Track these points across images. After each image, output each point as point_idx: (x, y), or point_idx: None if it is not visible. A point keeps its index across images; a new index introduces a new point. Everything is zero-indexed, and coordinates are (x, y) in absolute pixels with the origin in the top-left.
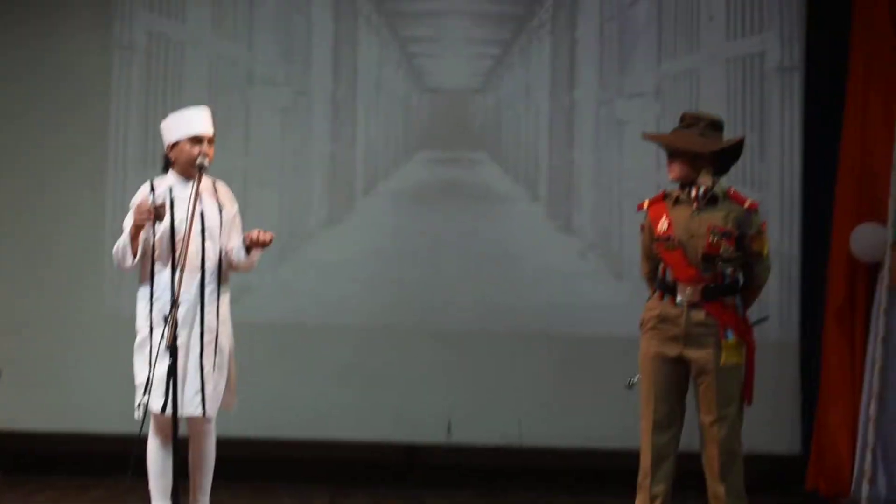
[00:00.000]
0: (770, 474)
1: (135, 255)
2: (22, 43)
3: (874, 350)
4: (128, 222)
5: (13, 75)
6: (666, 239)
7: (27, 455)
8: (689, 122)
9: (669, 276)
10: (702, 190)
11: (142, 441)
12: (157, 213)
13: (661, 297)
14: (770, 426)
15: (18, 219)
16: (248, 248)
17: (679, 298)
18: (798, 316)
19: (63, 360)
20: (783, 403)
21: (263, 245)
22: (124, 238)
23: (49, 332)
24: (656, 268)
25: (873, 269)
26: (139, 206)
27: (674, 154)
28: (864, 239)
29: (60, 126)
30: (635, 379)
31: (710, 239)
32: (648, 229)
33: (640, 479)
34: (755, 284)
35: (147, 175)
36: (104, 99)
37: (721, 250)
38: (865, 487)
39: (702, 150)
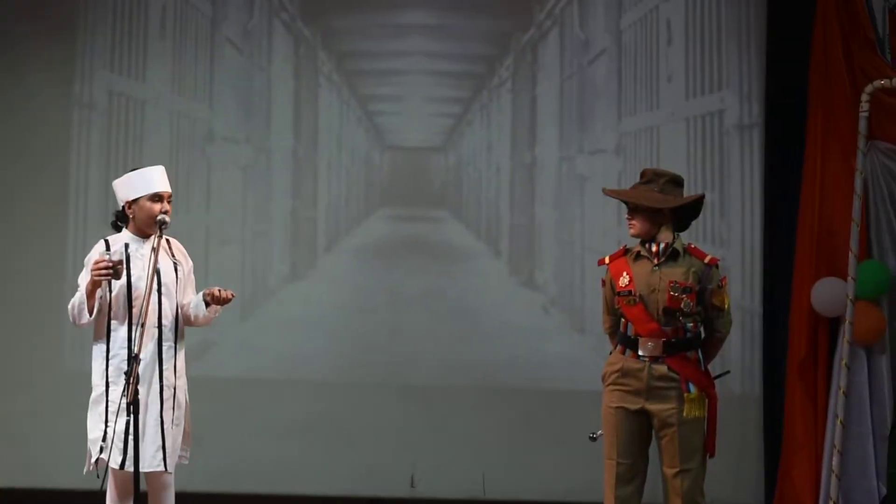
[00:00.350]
0: None
1: (91, 312)
2: None
3: (836, 404)
4: (83, 279)
5: None
6: (627, 294)
7: None
8: (649, 178)
9: (631, 331)
10: (662, 245)
11: (102, 496)
12: (114, 271)
13: (623, 352)
14: (734, 478)
15: None
16: (207, 304)
17: (641, 353)
18: (760, 369)
19: (24, 417)
20: (747, 456)
21: (224, 302)
22: (80, 295)
23: (9, 389)
24: (618, 322)
25: (834, 322)
26: (96, 263)
27: (634, 210)
28: (824, 293)
29: (21, 184)
30: (598, 433)
31: (671, 294)
32: (609, 284)
33: None
34: (717, 338)
35: (108, 233)
36: (65, 157)
37: (682, 305)
38: None
39: (661, 206)
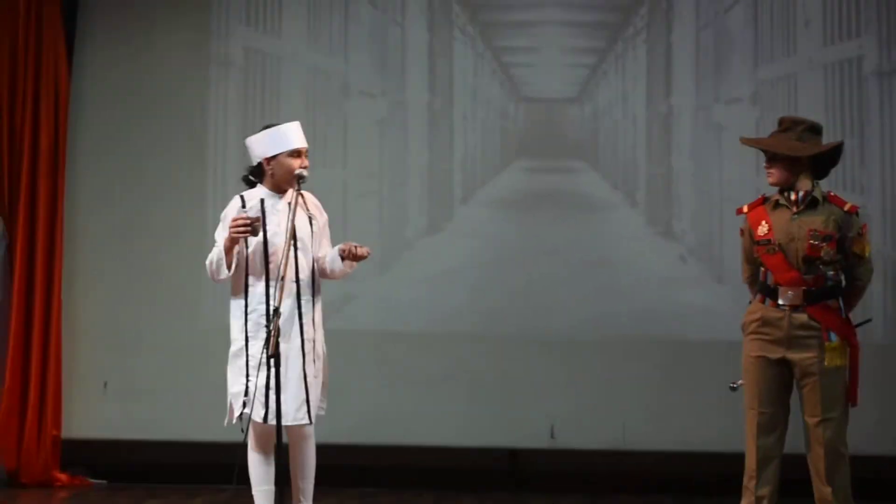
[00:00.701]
0: (877, 477)
1: (229, 268)
2: (122, 63)
3: None
4: (220, 234)
5: (115, 97)
6: (766, 243)
7: (132, 464)
8: (787, 125)
9: (770, 280)
10: (801, 194)
11: (243, 448)
12: (253, 228)
13: (763, 301)
14: (876, 428)
15: (123, 237)
16: (343, 259)
17: (781, 301)
18: None
19: (165, 372)
20: (890, 405)
21: (360, 259)
22: (218, 251)
23: (151, 345)
24: (757, 271)
25: None
26: (234, 220)
27: (773, 158)
28: None
29: (162, 145)
30: (739, 383)
31: (811, 242)
32: (748, 233)
33: (745, 481)
34: (857, 286)
35: (245, 189)
36: (203, 116)
37: (822, 253)
38: None
39: (800, 154)
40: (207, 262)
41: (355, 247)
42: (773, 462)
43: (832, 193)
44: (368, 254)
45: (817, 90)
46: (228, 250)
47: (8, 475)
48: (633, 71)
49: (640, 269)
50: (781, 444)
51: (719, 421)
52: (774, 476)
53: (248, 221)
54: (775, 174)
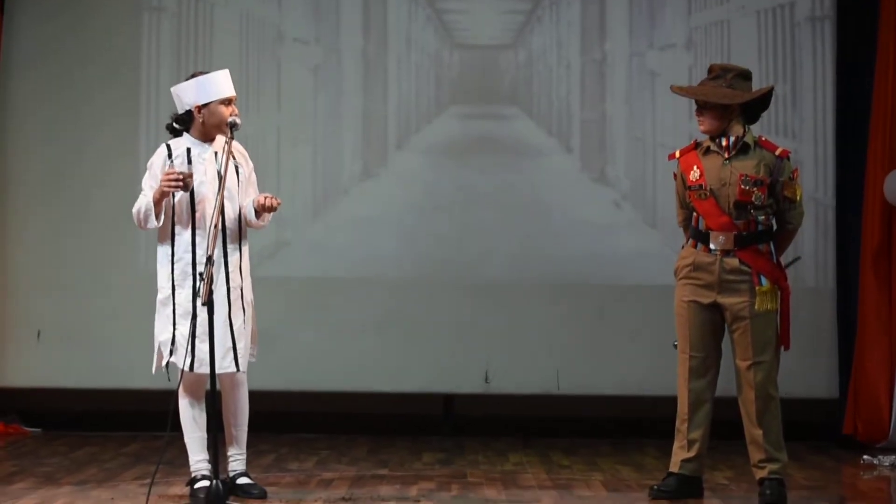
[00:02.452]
0: (807, 419)
1: (158, 219)
2: (55, 10)
3: None
4: (147, 183)
5: (50, 46)
6: (698, 188)
7: (67, 412)
8: (716, 73)
9: (702, 225)
10: (732, 139)
11: (177, 396)
12: (184, 183)
13: (695, 246)
14: (807, 371)
15: (55, 183)
16: (258, 212)
17: (712, 246)
18: (833, 262)
19: (99, 320)
20: (820, 348)
21: (271, 209)
22: (147, 201)
23: (85, 292)
24: (690, 216)
25: None
26: (166, 174)
27: (703, 106)
28: None
29: (94, 91)
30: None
31: (742, 187)
32: (681, 178)
33: (677, 423)
34: (788, 230)
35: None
36: (136, 63)
37: (753, 198)
38: None
39: (731, 102)
40: (135, 211)
41: (264, 198)
42: (705, 406)
43: (763, 138)
44: (279, 204)
45: (750, 36)
46: (157, 202)
47: None
48: (567, 17)
49: (574, 215)
50: (713, 387)
51: (652, 364)
52: (706, 419)
53: (180, 176)
54: (706, 122)
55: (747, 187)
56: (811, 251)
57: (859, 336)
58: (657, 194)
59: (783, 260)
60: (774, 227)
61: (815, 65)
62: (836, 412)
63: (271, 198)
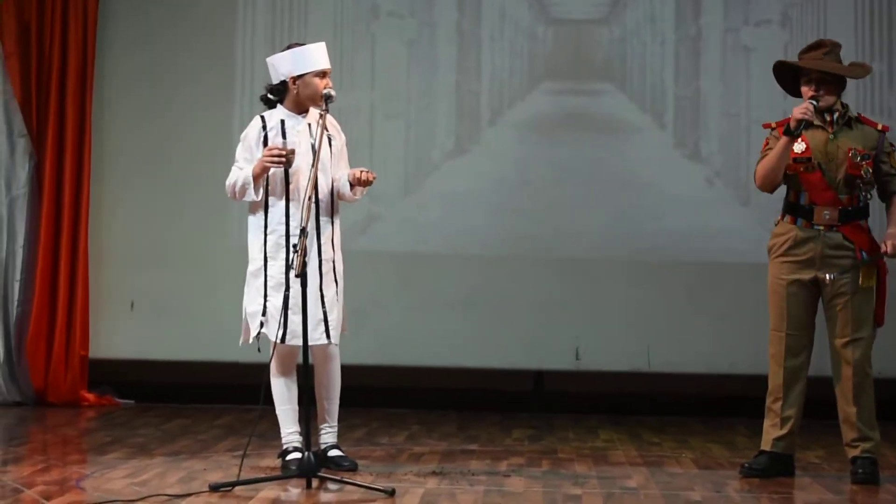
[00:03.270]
0: None
1: (257, 193)
2: None
3: None
4: (241, 154)
5: (143, 19)
6: (805, 160)
7: (159, 384)
8: (828, 48)
9: (805, 200)
10: (836, 115)
11: (269, 369)
12: (287, 160)
13: (794, 221)
14: None
15: (151, 159)
16: (352, 185)
17: (816, 221)
18: None
19: (192, 292)
20: None
21: (367, 184)
22: (244, 175)
23: (178, 265)
24: (787, 191)
25: None
26: (269, 150)
27: (822, 81)
28: None
29: (190, 68)
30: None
31: (852, 161)
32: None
33: (768, 402)
34: None
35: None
36: (230, 39)
37: (862, 172)
38: None
39: (858, 77)
40: (230, 183)
41: (360, 172)
42: (800, 384)
43: (861, 115)
44: (373, 178)
45: (847, 12)
46: (258, 176)
47: (36, 394)
48: None
49: (666, 192)
50: (807, 365)
51: (742, 343)
52: (801, 397)
53: (284, 153)
54: (827, 97)
55: (857, 160)
56: None
57: None
58: (750, 172)
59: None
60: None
61: None
62: None
63: (367, 172)
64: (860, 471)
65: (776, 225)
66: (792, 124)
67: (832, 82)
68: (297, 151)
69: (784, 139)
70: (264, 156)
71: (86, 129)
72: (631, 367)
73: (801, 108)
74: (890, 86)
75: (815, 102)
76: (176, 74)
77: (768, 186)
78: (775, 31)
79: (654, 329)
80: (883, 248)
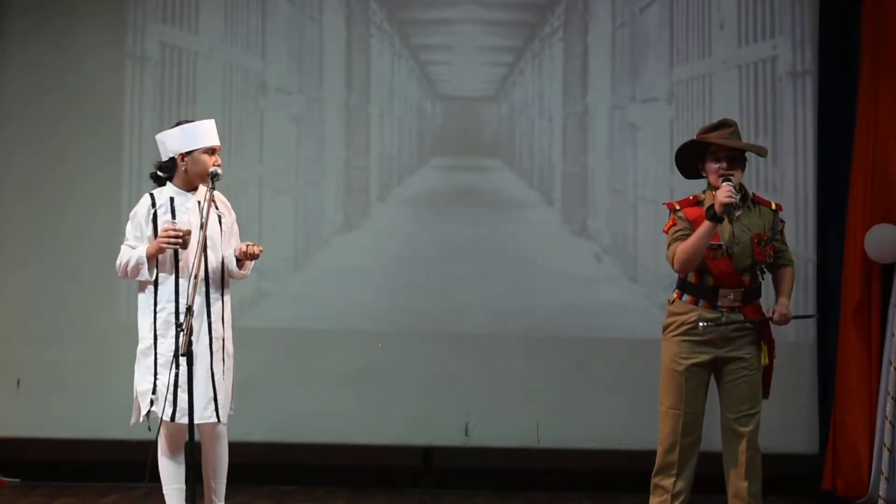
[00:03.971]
0: (787, 474)
1: (151, 271)
2: (41, 60)
3: (890, 350)
4: (131, 233)
5: (34, 93)
6: (716, 247)
7: (45, 462)
8: (733, 127)
9: (709, 282)
10: (739, 197)
11: (156, 447)
12: (183, 241)
13: (695, 302)
14: (787, 426)
15: (37, 232)
16: (239, 260)
17: (720, 303)
18: None
19: (79, 369)
20: (800, 403)
21: (253, 257)
22: (137, 254)
23: (66, 341)
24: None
25: (888, 269)
26: (165, 230)
27: (733, 160)
28: (878, 240)
29: (78, 140)
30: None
31: (758, 247)
32: (689, 228)
33: (656, 479)
34: (791, 270)
35: (155, 188)
36: (118, 110)
37: (766, 257)
38: (883, 486)
39: (763, 156)
40: (122, 262)
41: (247, 245)
42: (693, 459)
43: (755, 194)
44: (260, 251)
45: (732, 90)
46: (151, 257)
47: None
48: (549, 70)
49: (555, 268)
50: (699, 442)
51: (631, 418)
52: (691, 474)
53: (180, 234)
54: (738, 175)
55: (762, 246)
56: (792, 305)
57: (839, 391)
58: (638, 248)
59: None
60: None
61: (796, 119)
62: (817, 467)
63: (253, 245)
64: None
65: (671, 303)
66: (718, 209)
67: (740, 161)
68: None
69: (707, 224)
70: (160, 237)
71: None
72: (520, 442)
73: (724, 192)
74: (775, 162)
75: (730, 182)
76: (62, 148)
77: (688, 269)
78: (662, 108)
79: (544, 404)
80: (770, 314)
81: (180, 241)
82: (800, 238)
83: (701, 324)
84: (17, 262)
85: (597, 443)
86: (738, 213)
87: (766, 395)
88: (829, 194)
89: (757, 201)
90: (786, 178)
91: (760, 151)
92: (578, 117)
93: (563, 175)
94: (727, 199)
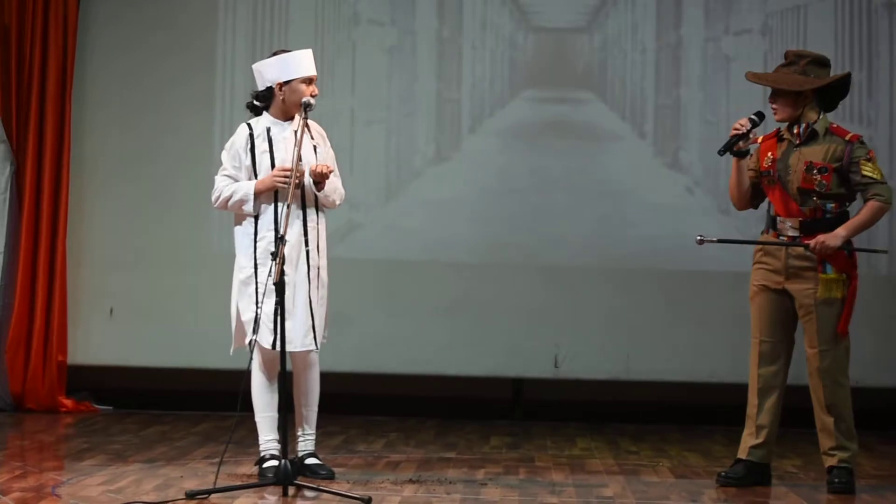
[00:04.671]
0: (879, 408)
1: (256, 207)
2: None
3: None
4: (229, 162)
5: (127, 34)
6: (767, 174)
7: (138, 390)
8: (790, 59)
9: (772, 211)
10: (802, 127)
11: (248, 376)
12: (298, 181)
13: (766, 231)
14: (879, 359)
15: (131, 163)
16: (317, 183)
17: (780, 232)
18: None
19: (171, 298)
20: (892, 337)
21: (322, 177)
22: (245, 189)
23: (158, 270)
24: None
25: None
26: (283, 170)
27: (776, 93)
28: None
29: (172, 73)
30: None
31: (805, 174)
32: (755, 163)
33: (748, 410)
34: (875, 205)
35: (251, 117)
36: (211, 40)
37: (815, 185)
38: None
39: (802, 88)
40: (222, 195)
41: (317, 165)
42: (775, 392)
43: (835, 125)
44: (330, 171)
45: (827, 21)
46: (260, 193)
47: (14, 400)
48: (642, 1)
49: (646, 200)
50: (784, 374)
51: (724, 351)
52: (775, 406)
53: (298, 174)
54: (780, 110)
55: (811, 174)
56: (885, 237)
57: None
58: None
59: (858, 242)
60: (849, 214)
61: (891, 51)
62: None
63: (322, 165)
64: (836, 480)
65: (762, 234)
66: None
67: (787, 94)
68: (284, 158)
69: (734, 159)
70: (276, 176)
71: (65, 134)
72: (609, 375)
73: (735, 125)
74: (869, 94)
75: (755, 118)
76: (157, 80)
77: (738, 204)
78: (756, 41)
79: (634, 337)
80: (808, 242)
81: (297, 181)
82: (894, 171)
83: (698, 236)
84: (110, 191)
85: (687, 375)
86: (743, 145)
87: (842, 332)
88: None
89: (833, 132)
90: (880, 111)
91: (788, 83)
92: (672, 49)
93: (656, 107)
94: (732, 132)
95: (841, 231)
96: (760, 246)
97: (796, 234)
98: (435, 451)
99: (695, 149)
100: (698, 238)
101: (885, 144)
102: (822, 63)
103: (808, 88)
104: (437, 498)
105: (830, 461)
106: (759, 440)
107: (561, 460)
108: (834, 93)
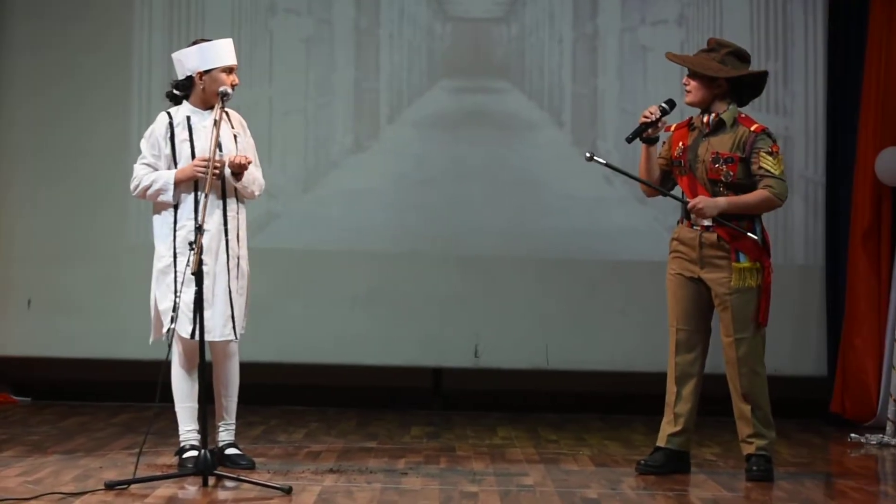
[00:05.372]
0: (796, 396)
1: (176, 196)
2: None
3: None
4: (148, 151)
5: (38, 12)
6: (678, 163)
7: (56, 381)
8: (711, 46)
9: (684, 200)
10: (711, 116)
11: (168, 366)
12: (218, 172)
13: (681, 221)
14: (796, 348)
15: (46, 152)
16: (234, 174)
17: (693, 222)
18: (823, 239)
19: (89, 289)
20: (809, 326)
21: (239, 168)
22: (165, 178)
23: (76, 261)
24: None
25: None
26: (203, 159)
27: (692, 75)
28: (888, 163)
29: (89, 65)
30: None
31: (712, 164)
32: (667, 151)
33: (666, 398)
34: (764, 195)
35: (170, 106)
36: (127, 29)
37: (722, 175)
38: (891, 409)
39: (717, 76)
40: (141, 184)
41: (234, 156)
42: (692, 380)
43: (743, 115)
44: (248, 161)
45: (742, 12)
46: (180, 182)
47: None
48: None
49: (565, 190)
50: (701, 362)
51: (642, 340)
52: (693, 394)
53: (216, 164)
54: (692, 93)
55: (717, 165)
56: (801, 228)
57: (848, 314)
58: None
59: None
60: None
61: (806, 42)
62: (825, 390)
63: (240, 156)
64: (754, 468)
65: (678, 224)
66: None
67: (702, 78)
68: (203, 147)
69: (643, 147)
70: (197, 166)
71: None
72: (530, 364)
73: (645, 112)
74: (785, 84)
75: (665, 106)
76: (73, 74)
77: (645, 191)
78: (672, 31)
79: (554, 327)
80: (689, 202)
81: (217, 171)
82: (809, 160)
83: (587, 153)
84: (27, 184)
85: (606, 365)
86: (652, 132)
87: (762, 321)
88: (839, 117)
89: (739, 122)
90: (796, 100)
91: (704, 67)
92: (589, 39)
93: (573, 96)
94: (642, 119)
95: (722, 201)
96: (676, 235)
97: (709, 223)
98: (355, 440)
99: (612, 137)
100: (587, 154)
101: (800, 134)
102: (742, 57)
103: (723, 76)
104: (358, 487)
105: (749, 449)
106: (678, 428)
107: (482, 449)
108: (747, 89)
